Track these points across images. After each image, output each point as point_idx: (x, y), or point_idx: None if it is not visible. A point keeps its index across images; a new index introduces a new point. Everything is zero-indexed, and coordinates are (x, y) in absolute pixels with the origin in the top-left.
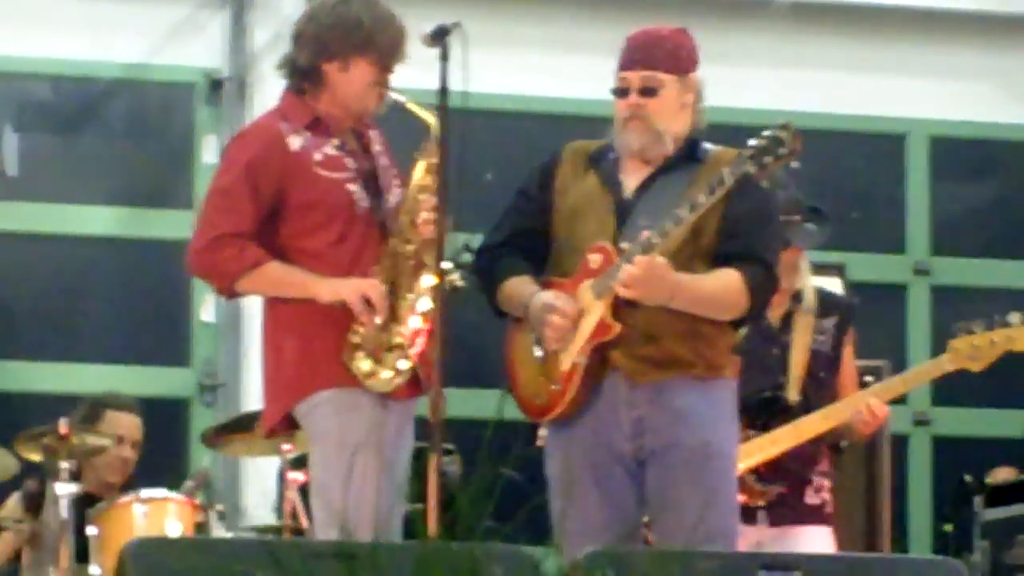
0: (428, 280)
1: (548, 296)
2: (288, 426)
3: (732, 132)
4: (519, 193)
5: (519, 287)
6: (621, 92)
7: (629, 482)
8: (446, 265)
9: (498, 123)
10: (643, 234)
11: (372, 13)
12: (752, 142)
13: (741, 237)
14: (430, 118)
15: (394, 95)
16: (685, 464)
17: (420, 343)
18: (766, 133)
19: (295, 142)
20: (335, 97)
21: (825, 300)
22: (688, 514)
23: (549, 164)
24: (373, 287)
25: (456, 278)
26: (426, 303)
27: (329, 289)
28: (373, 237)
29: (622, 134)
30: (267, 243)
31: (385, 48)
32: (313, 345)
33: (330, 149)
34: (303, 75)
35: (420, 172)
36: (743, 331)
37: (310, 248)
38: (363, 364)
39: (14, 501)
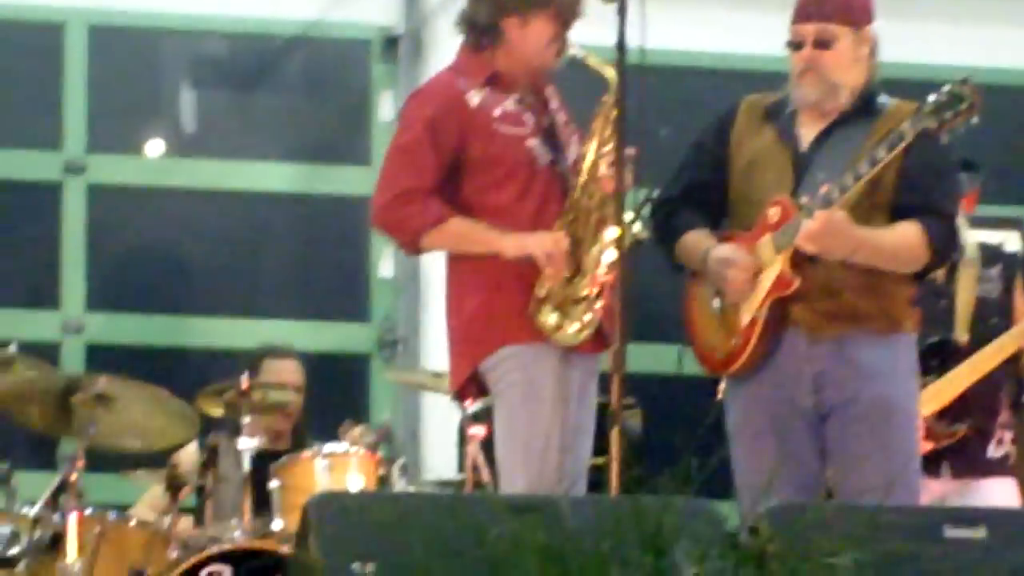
0: (611, 232)
1: (726, 250)
2: (475, 385)
3: (909, 88)
4: (695, 147)
5: (697, 241)
6: (795, 45)
7: (810, 436)
8: (628, 217)
9: (674, 79)
10: (822, 188)
11: None
12: (932, 97)
13: (920, 190)
14: (610, 72)
15: (573, 50)
16: (866, 419)
17: (605, 296)
18: (946, 88)
19: (474, 98)
20: (513, 53)
21: (987, 251)
22: (870, 469)
23: (725, 118)
24: (557, 241)
25: (640, 230)
26: (610, 255)
27: (514, 244)
28: (554, 192)
29: (798, 87)
30: (449, 200)
31: (564, 4)
32: (497, 301)
33: (508, 105)
34: (481, 31)
35: (601, 126)
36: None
37: (492, 204)
38: (550, 318)
39: (189, 454)
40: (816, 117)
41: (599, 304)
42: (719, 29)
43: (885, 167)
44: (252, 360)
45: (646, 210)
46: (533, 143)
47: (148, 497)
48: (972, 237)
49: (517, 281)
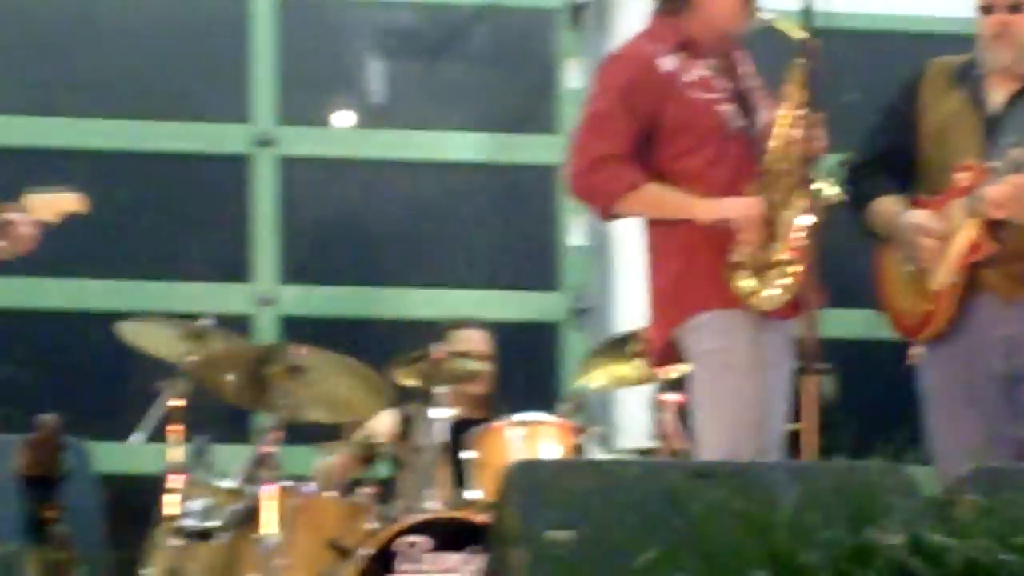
0: (805, 196)
1: (917, 216)
2: (674, 354)
3: None
4: (885, 112)
5: (887, 207)
6: (987, 9)
7: (1004, 400)
8: (823, 181)
9: (861, 42)
10: (1011, 152)
11: None
12: None
13: None
14: (800, 35)
15: (762, 14)
16: None
17: (800, 261)
18: None
19: (666, 64)
20: (704, 18)
21: None
22: None
23: (913, 82)
24: (752, 205)
25: (834, 193)
26: (804, 220)
27: (708, 209)
28: (747, 157)
29: (989, 51)
30: (643, 166)
31: None
32: (692, 267)
33: (700, 71)
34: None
35: (793, 89)
36: None
37: (685, 170)
38: (746, 283)
39: (381, 424)
40: (1007, 80)
41: (794, 269)
42: None
43: None
44: (439, 331)
45: (842, 173)
46: (725, 108)
47: (324, 465)
48: None
49: (711, 247)
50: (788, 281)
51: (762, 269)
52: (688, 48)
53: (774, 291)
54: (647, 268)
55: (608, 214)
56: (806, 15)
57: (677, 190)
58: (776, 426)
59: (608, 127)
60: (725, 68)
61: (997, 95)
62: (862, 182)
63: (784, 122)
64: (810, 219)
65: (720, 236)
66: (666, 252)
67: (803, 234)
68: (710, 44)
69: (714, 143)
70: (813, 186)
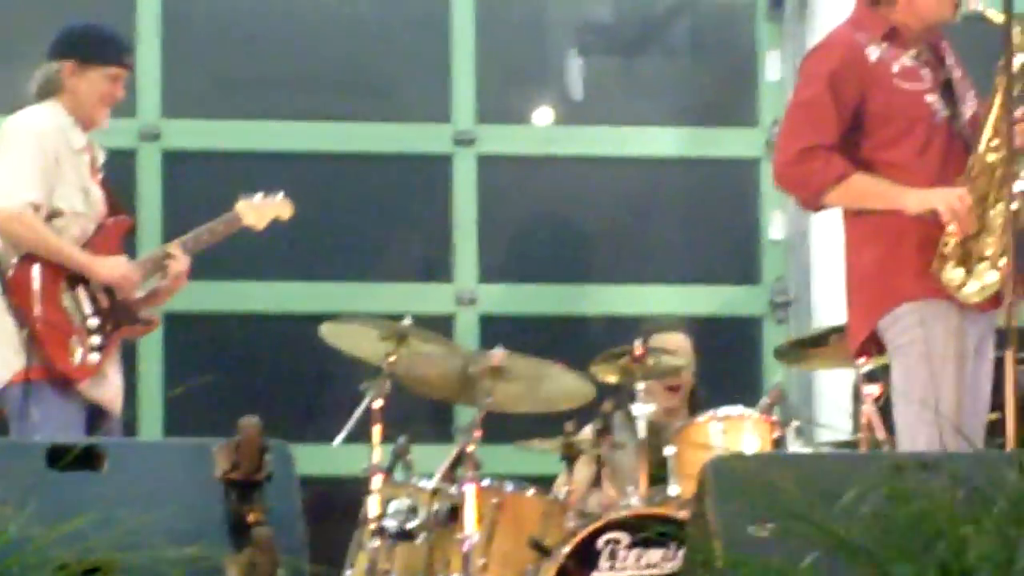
0: (1019, 186)
1: None
2: (875, 345)
3: None
4: None
5: None
6: None
7: None
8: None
9: None
10: None
11: None
12: None
13: None
14: (1014, 23)
15: (971, 4)
16: None
17: (1010, 254)
18: None
19: (873, 53)
20: (910, 8)
21: None
22: None
23: None
24: (962, 197)
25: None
26: (1012, 212)
27: (917, 199)
28: (953, 147)
29: None
30: (849, 156)
31: None
32: (896, 257)
33: (906, 60)
34: None
35: (1004, 80)
36: None
37: (893, 159)
38: (954, 274)
39: (590, 429)
40: None
41: (1003, 263)
42: None
43: None
44: (642, 334)
45: None
46: (932, 99)
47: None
48: None
49: (916, 237)
50: (996, 276)
51: (971, 260)
52: (893, 38)
53: (981, 284)
54: (846, 259)
55: (814, 205)
56: (1007, 2)
57: (885, 180)
58: (978, 417)
59: (815, 116)
60: (931, 58)
61: None
62: None
63: (996, 113)
64: (1018, 211)
65: (922, 227)
66: (867, 243)
67: (1011, 227)
68: (915, 34)
69: (921, 132)
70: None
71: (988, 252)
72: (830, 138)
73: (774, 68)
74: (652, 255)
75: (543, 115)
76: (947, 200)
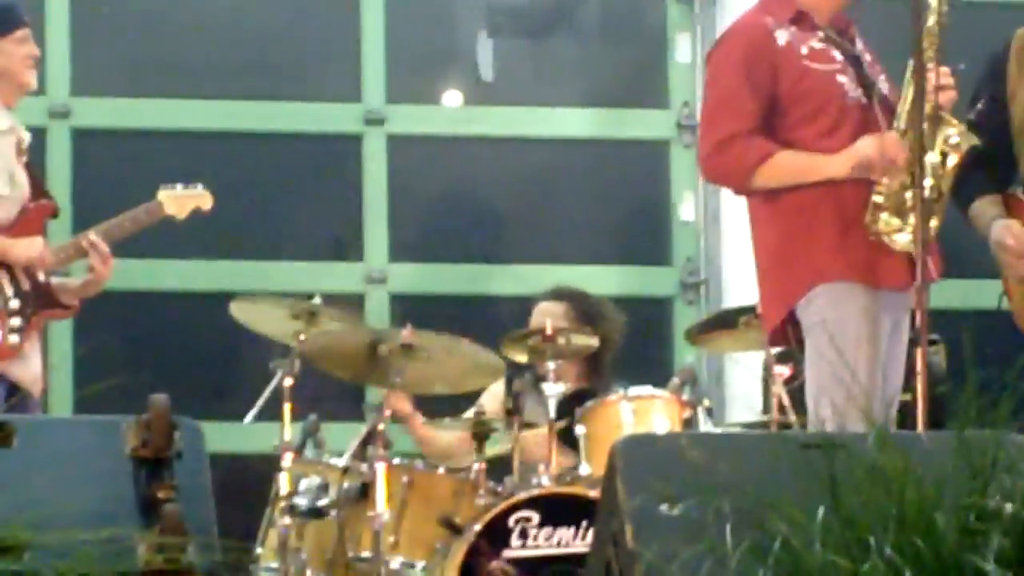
0: (951, 134)
1: (1001, 231)
2: (791, 328)
3: None
4: (974, 96)
5: (983, 210)
6: None
7: None
8: (956, 129)
9: (972, 12)
10: None
11: None
12: None
13: None
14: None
15: None
16: None
17: (935, 212)
18: None
19: (781, 36)
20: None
21: None
22: None
23: (996, 64)
24: (892, 142)
25: (970, 140)
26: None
27: (844, 158)
28: (868, 126)
29: None
30: (770, 138)
31: None
32: (805, 238)
33: (815, 42)
34: None
35: (919, 45)
36: None
37: (805, 138)
38: (891, 220)
39: (492, 396)
40: None
41: (930, 216)
42: None
43: None
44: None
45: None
46: (843, 79)
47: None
48: None
49: (825, 215)
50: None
51: (903, 210)
52: (801, 21)
53: (909, 235)
54: (754, 241)
55: (745, 190)
56: None
57: (808, 153)
58: (889, 398)
59: (731, 105)
60: (840, 41)
61: None
62: (959, 180)
63: (912, 80)
64: (944, 167)
65: (831, 204)
66: (774, 224)
67: (938, 184)
68: (823, 17)
69: (832, 113)
70: (946, 135)
71: (915, 205)
72: (748, 123)
73: (684, 50)
74: (563, 235)
75: (453, 96)
76: (876, 152)
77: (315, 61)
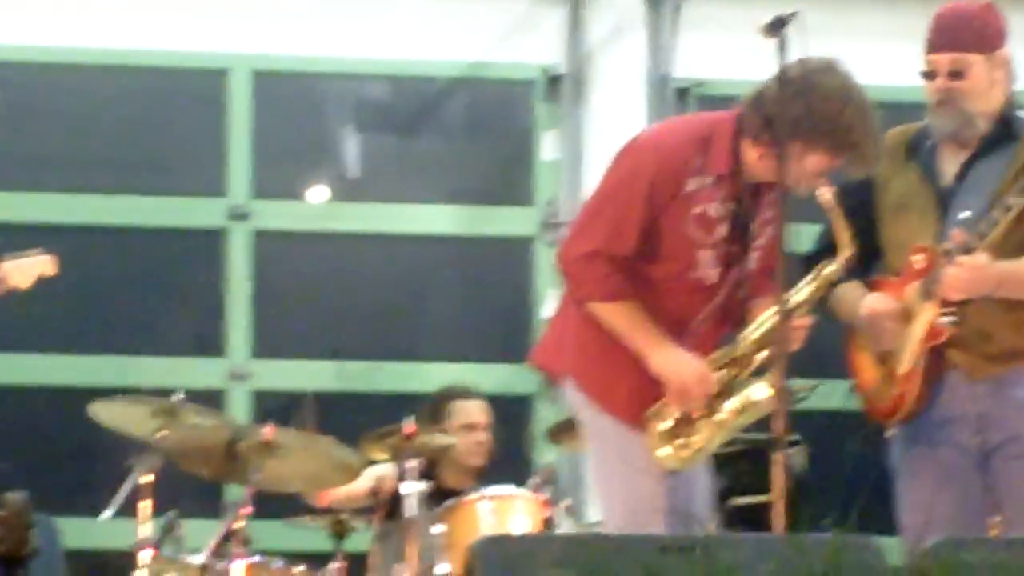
0: (760, 392)
1: (873, 302)
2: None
3: None
4: (839, 192)
5: (848, 293)
6: (929, 75)
7: (975, 475)
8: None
9: None
10: (955, 234)
11: (861, 120)
12: None
13: None
14: (846, 238)
15: (825, 195)
16: None
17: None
18: None
19: (692, 183)
20: (774, 168)
21: None
22: None
23: None
24: (700, 380)
25: (766, 398)
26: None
27: (661, 364)
28: (698, 302)
29: (933, 118)
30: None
31: (850, 148)
32: (620, 373)
33: (713, 209)
34: (767, 133)
35: (811, 286)
36: None
37: (647, 277)
38: (661, 427)
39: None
40: (957, 148)
41: (698, 451)
42: (881, 61)
43: None
44: (438, 401)
45: (800, 397)
46: (706, 256)
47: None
48: None
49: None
50: (690, 452)
51: (676, 435)
52: (723, 183)
53: (676, 456)
54: (568, 307)
55: (581, 303)
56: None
57: (647, 325)
58: (697, 492)
59: (620, 223)
60: (744, 210)
61: (949, 165)
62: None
63: (781, 313)
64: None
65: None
66: (605, 343)
67: (733, 421)
68: (750, 187)
69: (679, 278)
70: (768, 389)
71: (695, 438)
72: (623, 250)
73: (550, 148)
74: (427, 333)
75: (319, 192)
76: (685, 383)
77: (179, 154)
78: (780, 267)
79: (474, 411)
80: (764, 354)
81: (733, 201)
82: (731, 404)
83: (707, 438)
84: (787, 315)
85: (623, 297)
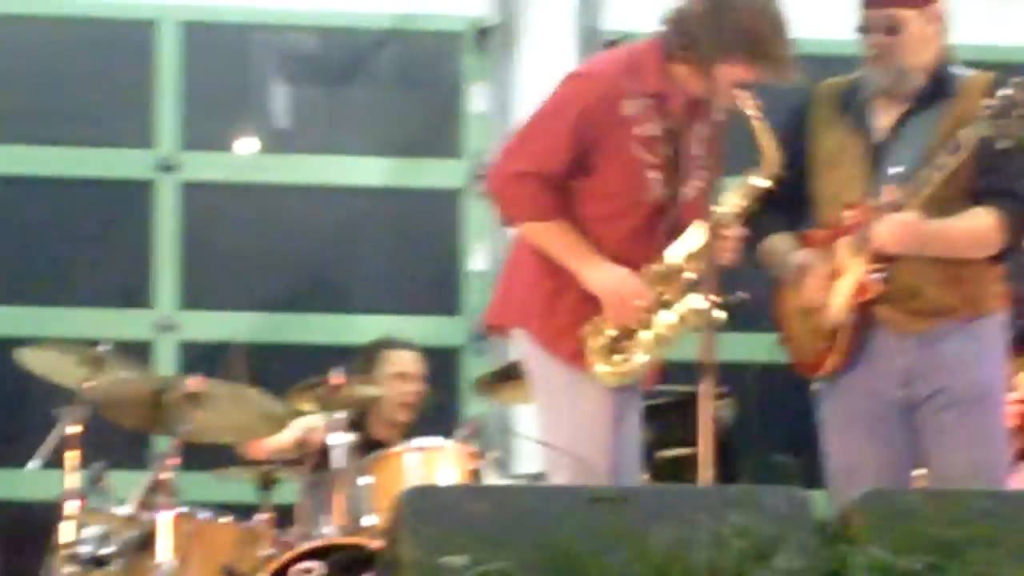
0: (696, 302)
1: (802, 257)
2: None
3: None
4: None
5: (776, 246)
6: (864, 30)
7: (901, 428)
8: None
9: None
10: (889, 192)
11: (774, 29)
12: (988, 103)
13: (995, 172)
14: (772, 150)
15: (748, 105)
16: (955, 407)
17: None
18: (1001, 93)
19: (629, 107)
20: (700, 82)
21: None
22: (959, 455)
23: (799, 111)
24: (634, 290)
25: (719, 317)
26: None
27: (595, 280)
28: (655, 229)
29: (868, 72)
30: (562, 187)
31: (767, 58)
32: (562, 306)
33: (654, 128)
34: (688, 49)
35: (734, 196)
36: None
37: (595, 213)
38: (596, 343)
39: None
40: (890, 103)
41: (639, 364)
42: (802, 14)
43: (959, 154)
44: (370, 351)
45: (737, 300)
46: (654, 175)
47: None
48: None
49: (576, 298)
50: (633, 367)
51: (616, 348)
52: (659, 99)
53: (617, 371)
54: (518, 263)
55: (510, 224)
56: None
57: (580, 241)
58: (630, 448)
59: (548, 142)
60: (679, 131)
61: (882, 120)
62: (752, 219)
63: (716, 224)
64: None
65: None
66: (545, 273)
67: (670, 334)
68: (685, 102)
69: (626, 203)
70: (703, 301)
71: (634, 349)
72: (552, 169)
73: (479, 100)
74: (356, 284)
75: (247, 143)
76: (619, 297)
77: (107, 106)
78: (714, 187)
79: (407, 360)
80: (697, 268)
81: (670, 119)
82: (667, 318)
83: (645, 351)
84: (715, 228)
85: (554, 216)
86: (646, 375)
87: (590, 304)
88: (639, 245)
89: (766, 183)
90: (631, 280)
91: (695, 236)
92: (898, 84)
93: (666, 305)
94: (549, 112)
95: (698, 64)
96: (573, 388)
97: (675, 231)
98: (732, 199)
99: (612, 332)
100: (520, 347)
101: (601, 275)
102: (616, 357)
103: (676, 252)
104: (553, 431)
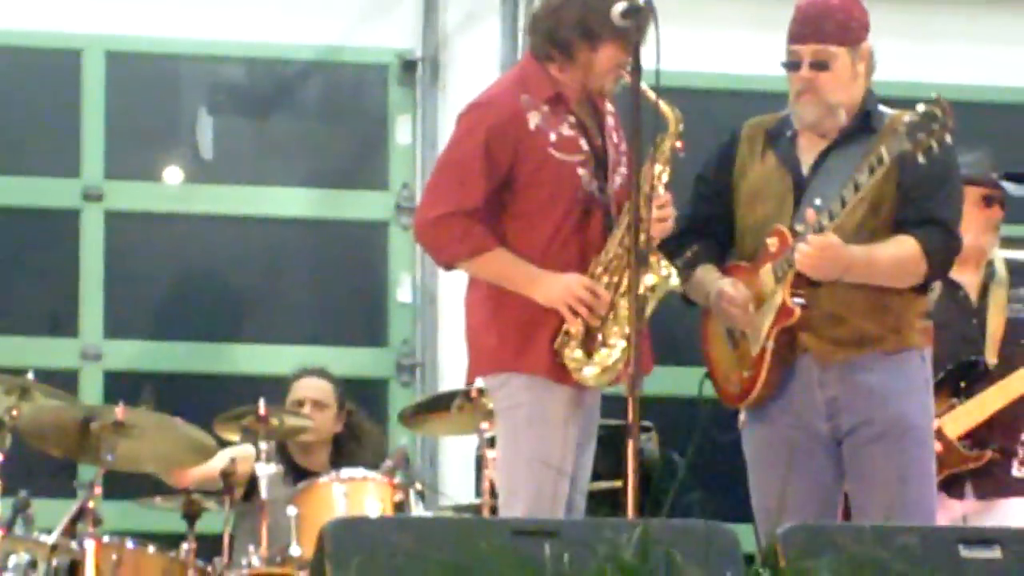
0: (649, 280)
1: (725, 285)
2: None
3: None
4: (698, 179)
5: (702, 278)
6: (792, 65)
7: (827, 461)
8: (665, 267)
9: (689, 101)
10: (808, 213)
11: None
12: (906, 118)
13: (917, 201)
14: (671, 112)
15: (638, 82)
16: (880, 440)
17: (630, 342)
18: (919, 108)
19: (533, 119)
20: (579, 74)
21: (1018, 270)
22: (885, 489)
23: (727, 147)
24: (588, 287)
25: (676, 282)
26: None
27: (545, 291)
28: (596, 222)
29: (795, 108)
30: (493, 215)
31: (636, 33)
32: (500, 332)
33: (566, 129)
34: (554, 46)
35: (655, 164)
36: (933, 296)
37: (532, 227)
38: (576, 355)
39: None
40: (816, 138)
41: (622, 350)
42: (735, 50)
43: (883, 183)
44: (286, 383)
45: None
46: (583, 172)
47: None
48: (1001, 256)
49: (519, 313)
50: (613, 362)
51: (593, 345)
52: (557, 103)
53: (601, 367)
54: (473, 305)
55: (448, 268)
56: (635, 72)
57: (521, 262)
58: (581, 485)
59: (463, 178)
60: (591, 124)
61: (807, 155)
62: (680, 252)
63: (644, 196)
64: (646, 303)
65: (527, 305)
66: (494, 304)
67: (637, 316)
68: (580, 98)
69: (565, 204)
70: (655, 273)
71: (612, 340)
72: (473, 202)
73: (405, 132)
74: (281, 315)
75: (173, 173)
76: (569, 295)
77: (33, 135)
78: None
79: (305, 388)
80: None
81: (574, 115)
82: (626, 297)
83: (620, 337)
84: (647, 202)
85: (486, 247)
86: (640, 360)
87: (538, 307)
88: (582, 242)
89: (677, 142)
90: (579, 281)
91: (624, 215)
92: (824, 120)
93: (622, 290)
94: (456, 148)
95: (564, 60)
96: (537, 437)
97: (612, 219)
98: (653, 169)
99: (581, 334)
100: (492, 389)
101: (549, 288)
102: (597, 356)
103: (611, 237)
104: (513, 461)
